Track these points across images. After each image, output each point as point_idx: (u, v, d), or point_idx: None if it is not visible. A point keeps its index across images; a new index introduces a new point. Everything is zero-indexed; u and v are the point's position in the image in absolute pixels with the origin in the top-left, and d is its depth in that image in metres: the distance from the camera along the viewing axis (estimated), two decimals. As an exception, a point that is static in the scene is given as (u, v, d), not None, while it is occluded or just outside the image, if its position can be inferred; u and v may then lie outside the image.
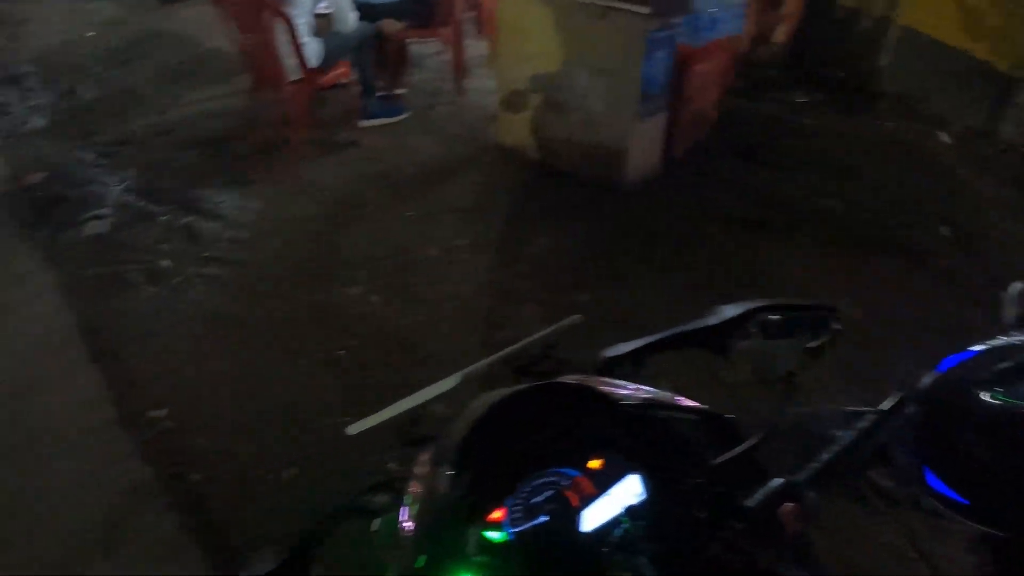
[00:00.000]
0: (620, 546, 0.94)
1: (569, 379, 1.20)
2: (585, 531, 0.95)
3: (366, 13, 5.12)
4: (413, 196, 4.70)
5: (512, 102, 4.91)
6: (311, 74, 4.75)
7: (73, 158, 5.94)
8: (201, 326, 3.97)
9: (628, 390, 1.13)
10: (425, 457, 1.08)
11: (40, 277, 4.54)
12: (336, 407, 3.34)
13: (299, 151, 4.93)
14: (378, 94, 5.34)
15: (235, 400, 3.48)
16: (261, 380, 3.57)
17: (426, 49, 6.24)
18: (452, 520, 0.93)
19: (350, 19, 4.92)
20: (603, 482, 0.98)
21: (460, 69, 5.58)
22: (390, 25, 5.24)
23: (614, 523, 0.96)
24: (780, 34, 5.90)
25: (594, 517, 0.96)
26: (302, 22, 4.67)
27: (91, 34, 8.63)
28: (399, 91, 5.64)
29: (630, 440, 1.02)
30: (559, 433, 1.00)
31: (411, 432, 1.23)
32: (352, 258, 4.28)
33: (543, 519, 0.95)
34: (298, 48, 4.59)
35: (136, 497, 3.09)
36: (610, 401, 1.04)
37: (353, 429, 1.18)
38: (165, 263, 4.44)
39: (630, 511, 0.97)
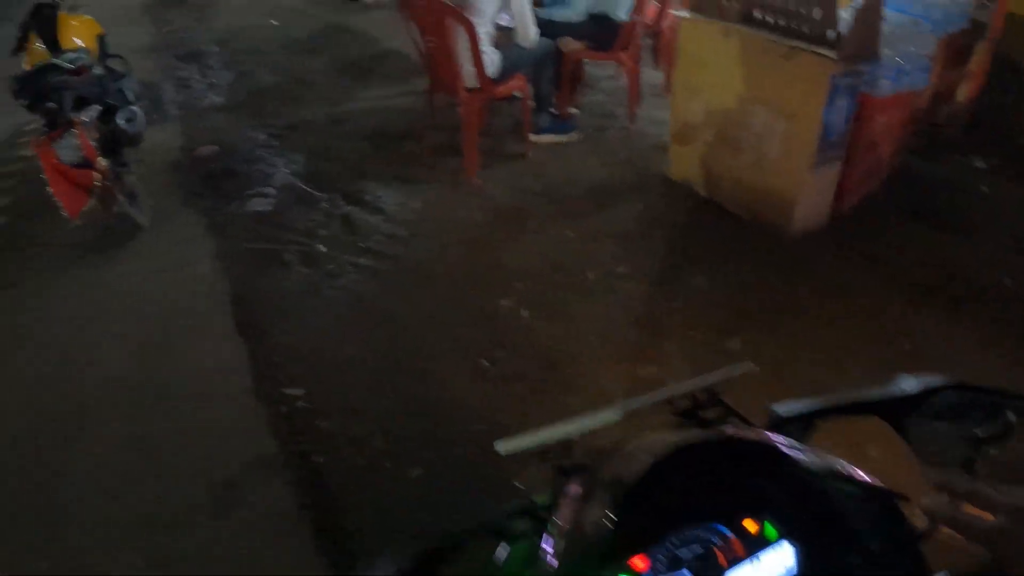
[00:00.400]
0: None
1: (743, 432, 1.11)
2: None
3: (547, 30, 5.12)
4: (575, 216, 4.61)
5: (684, 134, 4.79)
6: (487, 83, 4.75)
7: (245, 136, 6.16)
8: (348, 313, 3.99)
9: (799, 451, 1.03)
10: (576, 490, 1.00)
11: (201, 244, 4.71)
12: (473, 415, 3.26)
13: (467, 157, 4.92)
14: (551, 111, 5.32)
15: (372, 391, 3.45)
16: (401, 375, 3.52)
17: (602, 72, 6.17)
18: (595, 562, 0.87)
19: (531, 34, 4.92)
20: (755, 546, 0.92)
21: (635, 95, 5.49)
22: (569, 44, 5.22)
23: None
24: (963, 93, 5.57)
25: None
26: (483, 31, 4.69)
27: (274, 22, 8.98)
28: (572, 110, 5.59)
29: (793, 506, 0.94)
30: (722, 486, 0.95)
31: (561, 460, 1.14)
32: (508, 269, 4.21)
33: (686, 574, 0.89)
34: (477, 56, 4.59)
35: (258, 467, 3.09)
36: (789, 462, 0.96)
37: (503, 448, 1.11)
38: (321, 247, 4.50)
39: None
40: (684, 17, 4.61)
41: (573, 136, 5.28)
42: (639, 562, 0.88)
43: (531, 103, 5.19)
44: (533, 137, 5.17)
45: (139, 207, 4.86)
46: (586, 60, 5.82)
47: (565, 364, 3.53)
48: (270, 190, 5.20)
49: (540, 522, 1.00)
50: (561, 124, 5.31)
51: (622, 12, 5.20)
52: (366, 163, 5.36)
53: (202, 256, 4.58)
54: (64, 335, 3.97)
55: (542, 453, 1.13)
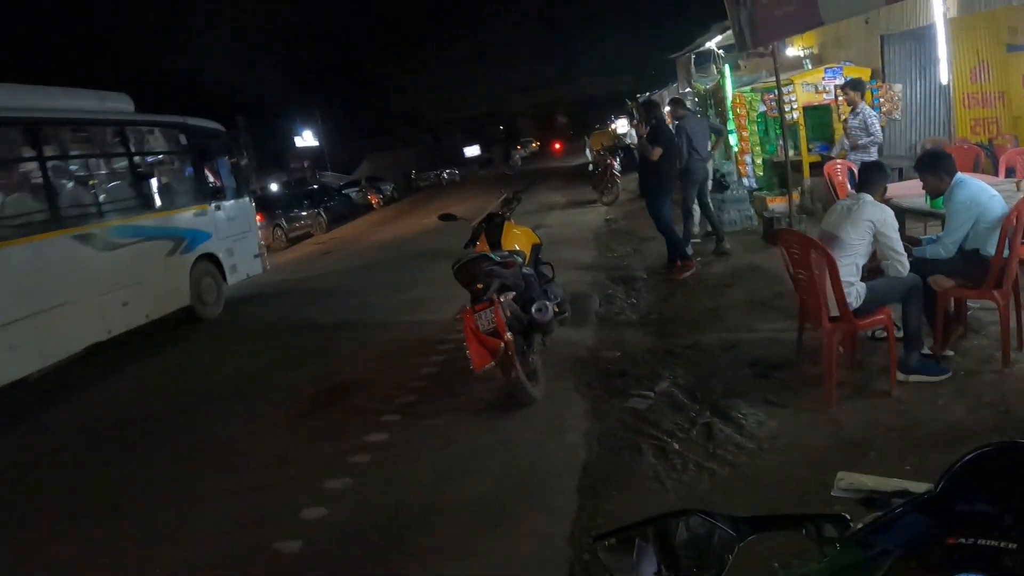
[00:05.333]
0: None
1: None
2: None
3: (918, 266, 5.15)
4: (921, 453, 4.42)
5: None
6: (847, 314, 4.93)
7: (646, 347, 6.92)
8: (677, 504, 4.31)
9: None
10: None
11: (576, 422, 5.53)
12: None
13: (825, 386, 5.08)
14: (923, 351, 5.28)
15: None
16: None
17: (989, 316, 5.95)
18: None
19: (901, 268, 5.08)
20: None
21: (1007, 336, 5.23)
22: (939, 281, 5.17)
23: None
24: None
25: None
26: (850, 263, 4.95)
27: (698, 259, 9.86)
28: (947, 352, 5.45)
29: None
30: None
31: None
32: (827, 492, 4.25)
33: None
34: (838, 287, 4.83)
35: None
36: None
37: (844, 476, 1.44)
38: (675, 446, 4.91)
39: None
40: None
41: (944, 377, 5.15)
42: None
43: (899, 339, 5.21)
44: (900, 376, 5.10)
45: (537, 383, 5.80)
46: (972, 302, 5.72)
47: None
48: (650, 394, 5.81)
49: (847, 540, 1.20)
50: (932, 366, 5.20)
51: (991, 247, 5.07)
52: (743, 385, 5.71)
53: (574, 430, 5.37)
54: (450, 457, 5.29)
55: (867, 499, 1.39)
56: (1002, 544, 0.98)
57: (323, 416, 6.57)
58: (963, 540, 1.00)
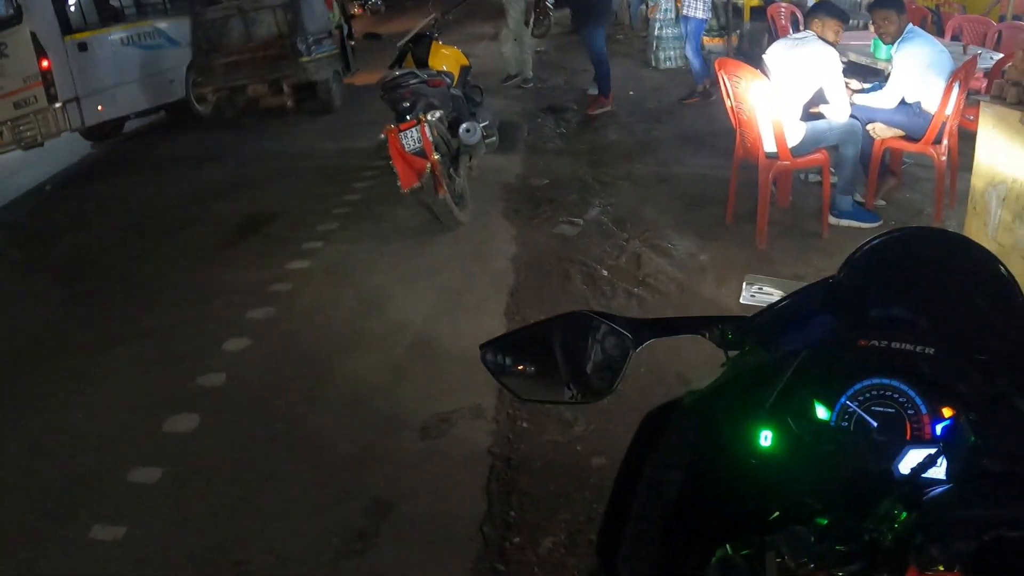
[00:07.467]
0: (927, 511, 0.74)
1: None
2: (896, 469, 0.89)
3: (860, 113, 5.00)
4: None
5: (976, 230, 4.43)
6: (785, 151, 4.79)
7: (577, 176, 6.76)
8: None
9: None
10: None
11: (504, 247, 5.40)
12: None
13: (758, 223, 5.00)
14: (855, 197, 5.22)
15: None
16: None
17: (925, 172, 5.92)
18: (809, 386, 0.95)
19: (842, 112, 4.93)
20: (943, 434, 0.91)
21: (941, 193, 5.16)
22: (878, 130, 5.10)
23: (932, 484, 0.81)
24: None
25: (912, 462, 0.86)
26: (788, 100, 4.81)
27: (631, 93, 9.65)
28: (879, 202, 5.41)
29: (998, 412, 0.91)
30: (938, 356, 0.93)
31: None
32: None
33: (872, 423, 0.92)
34: (777, 122, 4.73)
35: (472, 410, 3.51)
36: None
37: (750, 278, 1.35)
38: (604, 272, 4.84)
39: (957, 478, 0.86)
40: (984, 101, 4.28)
41: (876, 224, 5.11)
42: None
43: (833, 184, 5.13)
44: (832, 219, 5.05)
45: (463, 207, 5.62)
46: (908, 156, 5.68)
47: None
48: (580, 220, 5.70)
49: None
50: (864, 212, 5.15)
51: (934, 103, 4.93)
52: (673, 216, 5.63)
53: (501, 255, 5.23)
54: (375, 283, 5.11)
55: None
56: (918, 348, 0.93)
57: (244, 245, 6.16)
58: (875, 343, 0.94)
